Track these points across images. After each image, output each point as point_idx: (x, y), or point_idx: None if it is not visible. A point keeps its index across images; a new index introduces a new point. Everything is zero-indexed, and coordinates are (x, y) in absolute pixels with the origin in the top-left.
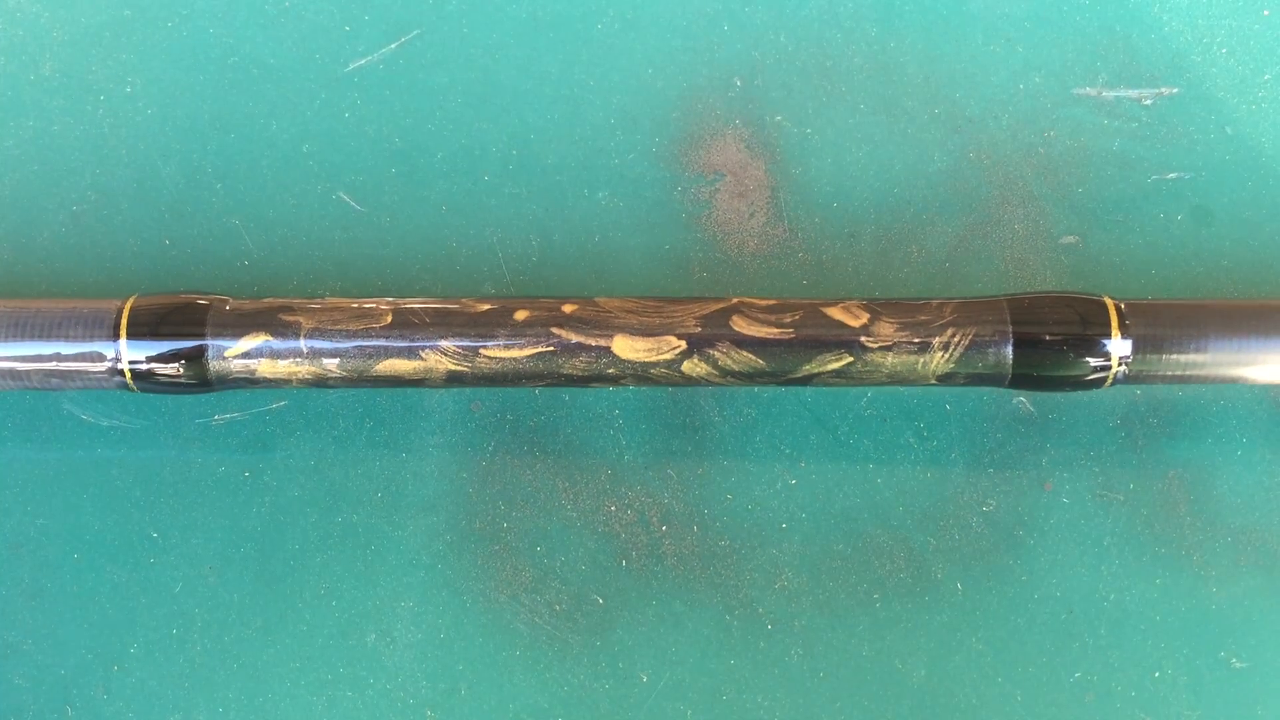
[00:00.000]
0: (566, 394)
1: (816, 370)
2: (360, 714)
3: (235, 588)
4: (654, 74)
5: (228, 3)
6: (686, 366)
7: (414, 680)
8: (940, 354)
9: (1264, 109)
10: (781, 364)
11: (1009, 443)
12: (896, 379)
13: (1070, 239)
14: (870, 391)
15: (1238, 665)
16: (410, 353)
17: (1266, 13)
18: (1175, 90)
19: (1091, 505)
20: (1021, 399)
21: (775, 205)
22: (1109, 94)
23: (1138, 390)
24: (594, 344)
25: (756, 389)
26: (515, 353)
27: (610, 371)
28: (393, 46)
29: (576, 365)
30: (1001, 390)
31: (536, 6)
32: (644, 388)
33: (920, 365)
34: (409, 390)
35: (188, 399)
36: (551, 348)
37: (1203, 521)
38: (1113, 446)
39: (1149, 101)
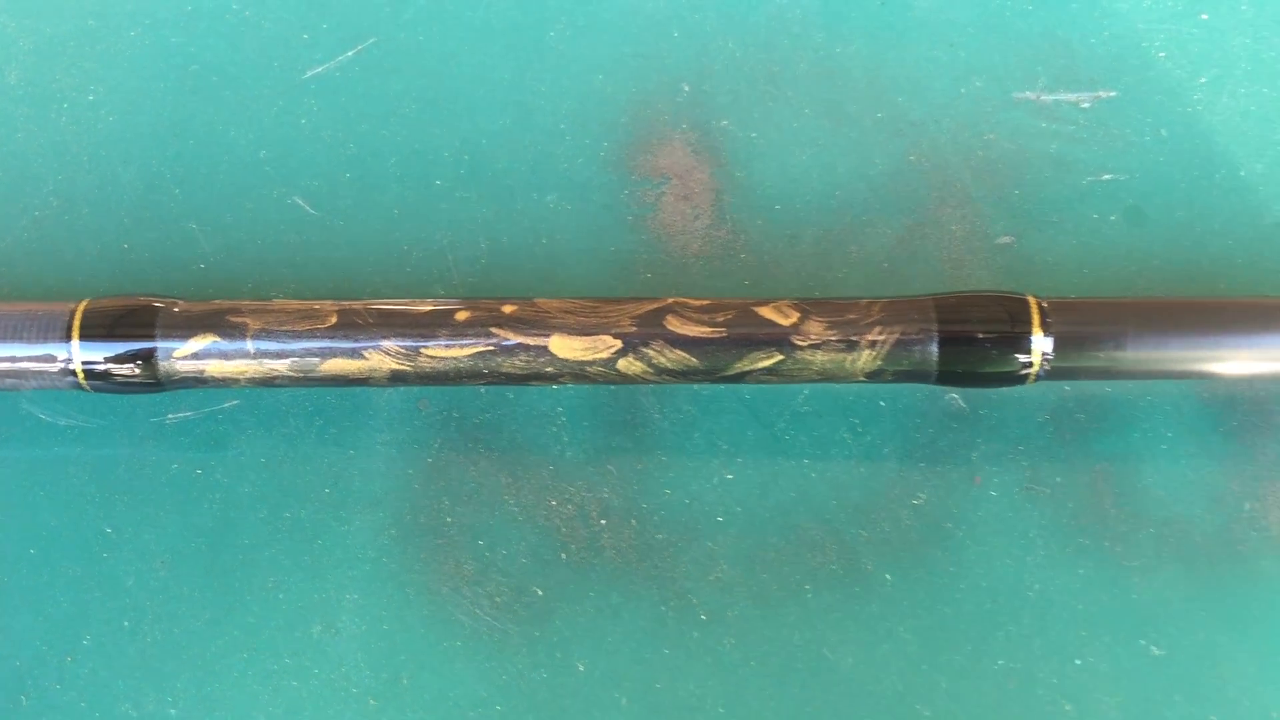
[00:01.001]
0: (511, 392)
1: (749, 368)
2: (305, 703)
3: (186, 581)
4: (604, 80)
5: (189, 13)
6: (622, 364)
7: (358, 670)
8: (868, 352)
9: (1199, 112)
10: (714, 362)
11: (940, 438)
12: (826, 376)
13: (1006, 239)
14: (807, 389)
15: (1157, 653)
16: (354, 353)
17: (1205, 16)
18: (1113, 93)
19: (1019, 499)
20: (954, 395)
21: (719, 208)
22: (1048, 97)
23: (1066, 387)
24: (532, 343)
25: (696, 387)
26: (456, 352)
27: (549, 370)
28: (349, 54)
29: (515, 364)
30: (934, 387)
31: (490, 15)
32: (585, 386)
33: (849, 363)
34: (358, 389)
35: (142, 399)
36: (491, 347)
37: (1126, 514)
38: (1041, 441)
39: (1087, 105)
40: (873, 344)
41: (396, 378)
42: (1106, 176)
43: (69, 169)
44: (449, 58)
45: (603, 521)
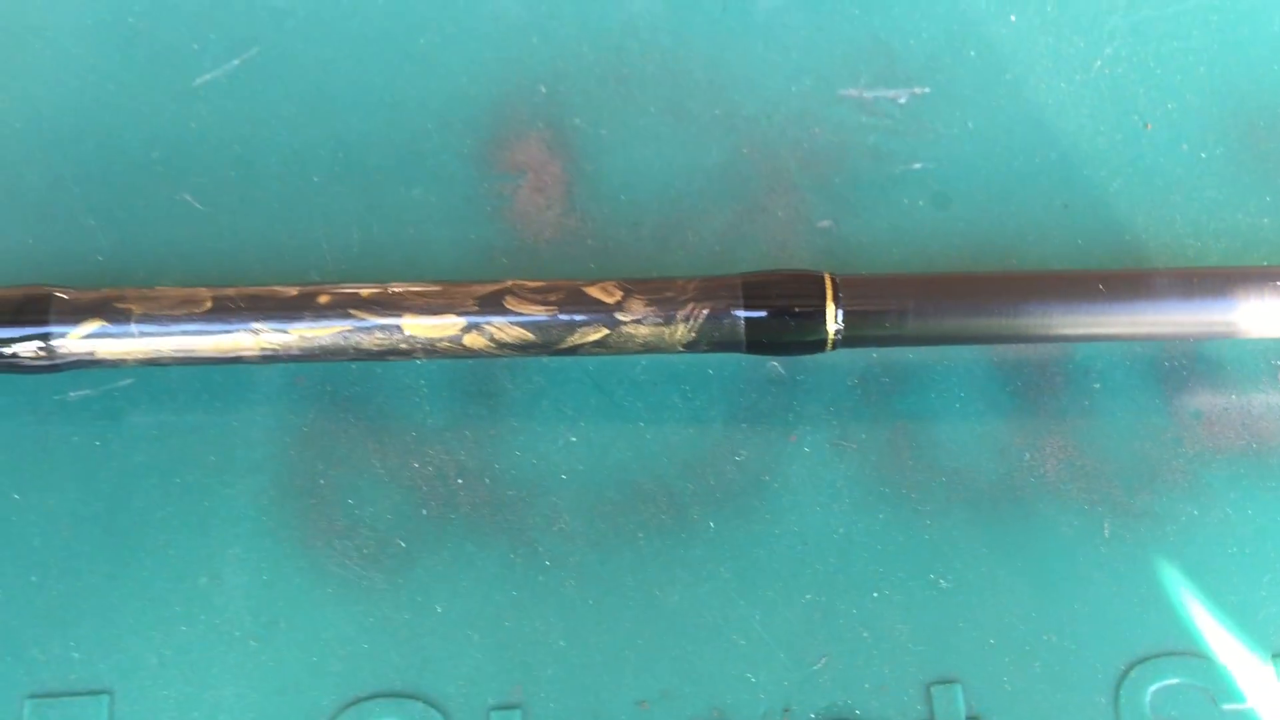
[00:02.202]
0: (379, 368)
1: (579, 341)
2: (194, 644)
3: (86, 540)
4: (468, 82)
5: (88, 25)
6: (468, 340)
7: (240, 616)
8: (683, 326)
9: (1003, 105)
10: (548, 336)
11: (761, 402)
12: (649, 348)
13: (825, 223)
14: (644, 360)
15: (944, 585)
16: (228, 334)
17: (1013, 18)
18: (927, 90)
19: (829, 453)
20: (774, 364)
21: (570, 198)
22: (869, 94)
23: (873, 354)
24: (387, 322)
25: (544, 360)
26: (319, 331)
27: (403, 346)
28: (235, 63)
29: (374, 341)
30: (755, 357)
31: (365, 24)
32: (440, 361)
33: (667, 335)
34: (240, 368)
35: (44, 378)
36: (350, 327)
37: (922, 465)
38: (849, 403)
39: (903, 100)
40: (687, 319)
41: (267, 356)
42: (917, 165)
43: None
44: (327, 64)
45: (459, 481)
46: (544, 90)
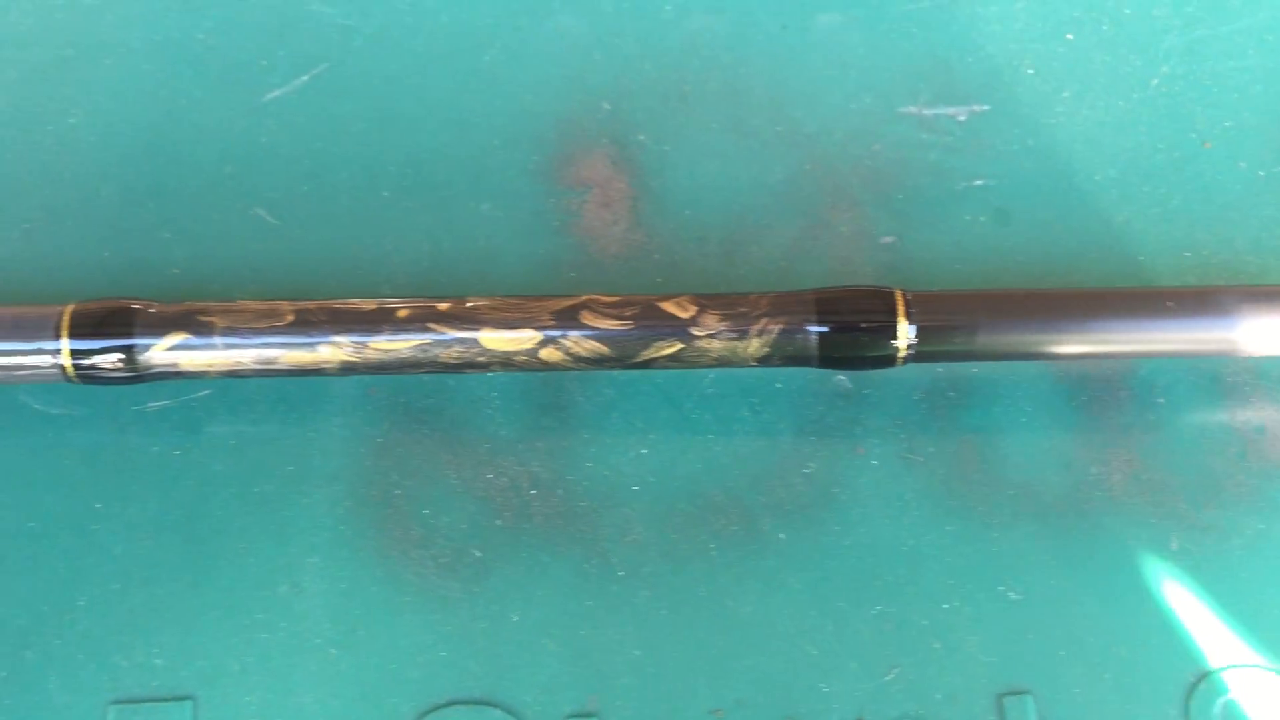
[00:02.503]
0: (451, 380)
1: (654, 355)
2: (275, 651)
3: (167, 549)
4: (533, 99)
5: (159, 42)
6: (544, 354)
7: (319, 623)
8: (757, 340)
9: (1062, 122)
10: (623, 351)
11: (829, 415)
12: (722, 362)
13: (889, 239)
14: (712, 374)
15: (1013, 597)
16: (309, 346)
17: (1070, 36)
18: (986, 107)
19: (896, 466)
20: (841, 378)
21: (635, 214)
22: (929, 111)
23: (939, 369)
24: (464, 336)
25: (614, 373)
26: (398, 345)
27: (480, 360)
28: (304, 79)
29: (450, 355)
30: (821, 371)
31: (430, 41)
32: (515, 374)
33: (740, 349)
34: (314, 380)
35: (125, 390)
36: (428, 340)
37: (989, 478)
38: (916, 416)
39: (963, 118)
40: (761, 333)
41: (347, 368)
42: (978, 182)
43: (53, 185)
44: (394, 80)
45: (533, 491)
46: (608, 107)
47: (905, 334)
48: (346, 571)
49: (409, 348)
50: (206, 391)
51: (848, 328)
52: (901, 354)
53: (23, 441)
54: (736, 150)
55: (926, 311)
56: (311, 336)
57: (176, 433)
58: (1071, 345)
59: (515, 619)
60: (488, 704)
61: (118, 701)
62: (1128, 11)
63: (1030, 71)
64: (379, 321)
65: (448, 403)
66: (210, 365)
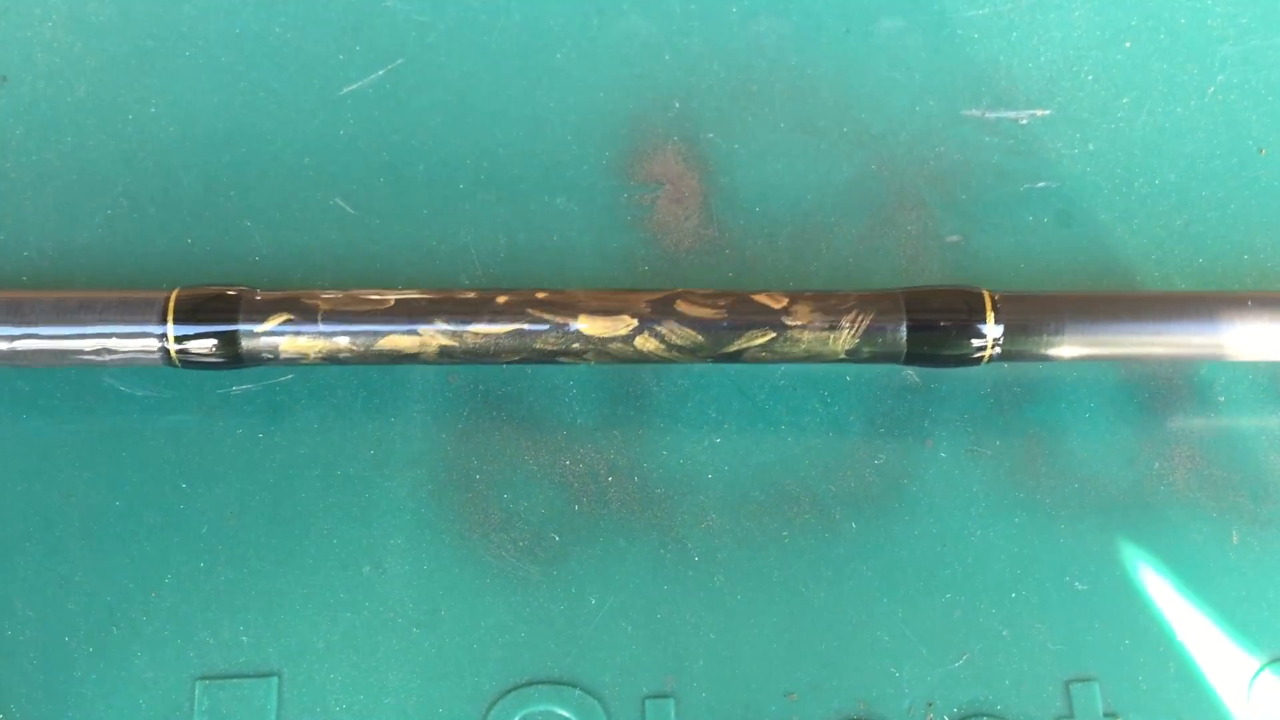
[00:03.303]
0: (529, 369)
1: (746, 345)
2: (358, 631)
3: (253, 529)
4: (605, 96)
5: (238, 35)
6: (639, 341)
7: (402, 604)
8: (847, 332)
9: (1121, 128)
10: (717, 340)
11: (898, 408)
12: (811, 355)
13: (954, 238)
14: (783, 367)
15: (1080, 587)
16: (410, 331)
17: (1128, 44)
18: (1047, 112)
19: (964, 459)
20: (909, 372)
21: (706, 210)
22: (991, 115)
23: (1005, 365)
24: (562, 322)
25: (689, 364)
26: (496, 330)
27: (575, 346)
28: (381, 73)
29: (548, 341)
30: (893, 366)
31: (505, 38)
32: (593, 365)
33: (830, 341)
34: (397, 366)
35: (210, 374)
36: (526, 327)
37: (1054, 472)
38: (983, 411)
39: (1024, 121)
40: (851, 324)
41: (444, 353)
42: (1041, 184)
43: (136, 173)
44: (469, 76)
45: (610, 478)
46: (678, 105)
47: (993, 333)
48: (429, 553)
49: (506, 333)
50: (289, 377)
51: (935, 326)
52: (989, 353)
53: (110, 423)
54: (803, 149)
55: (1014, 311)
56: (412, 322)
57: (261, 416)
58: (1152, 347)
59: (593, 601)
60: (567, 684)
61: (204, 677)
62: (1183, 21)
63: (1090, 78)
64: (479, 308)
65: (526, 391)
66: (310, 349)
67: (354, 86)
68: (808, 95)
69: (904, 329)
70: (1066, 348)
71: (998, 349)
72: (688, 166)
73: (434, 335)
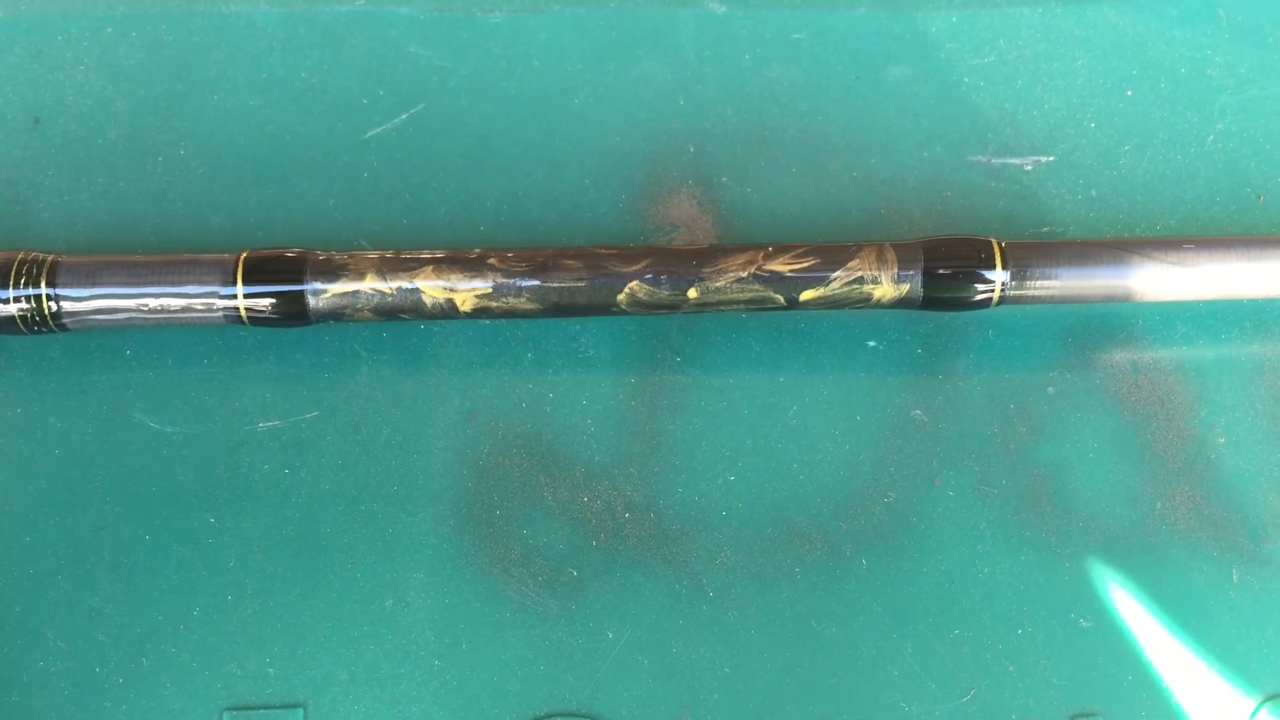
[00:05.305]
0: (548, 406)
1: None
2: (381, 663)
3: (279, 563)
4: (621, 141)
5: (265, 79)
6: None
7: (424, 636)
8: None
9: (1123, 174)
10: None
11: (906, 447)
12: (834, 303)
13: None
14: (795, 405)
15: (1084, 624)
16: (467, 278)
17: (1130, 92)
18: (1051, 158)
19: (971, 497)
20: (918, 411)
21: None
22: (997, 161)
23: (1011, 405)
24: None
25: (703, 403)
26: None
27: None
28: (403, 117)
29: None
30: (902, 406)
31: (524, 84)
32: (609, 405)
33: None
34: (420, 403)
35: (236, 409)
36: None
37: (1060, 510)
38: (990, 450)
39: (1029, 167)
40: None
41: (504, 296)
42: (1045, 229)
43: (165, 213)
44: (489, 120)
45: (626, 515)
46: (692, 150)
47: (1000, 277)
48: (450, 587)
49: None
50: (314, 414)
51: (951, 272)
52: (997, 296)
53: (140, 460)
54: (815, 193)
55: (1019, 257)
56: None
57: (286, 452)
58: (1149, 286)
59: (610, 635)
60: (584, 716)
61: (231, 708)
62: (1184, 71)
63: (1093, 125)
64: (542, 265)
65: (544, 428)
66: (379, 290)
67: (377, 130)
68: (818, 140)
69: (920, 276)
70: (1062, 289)
71: (1004, 292)
72: (702, 210)
73: (481, 283)
